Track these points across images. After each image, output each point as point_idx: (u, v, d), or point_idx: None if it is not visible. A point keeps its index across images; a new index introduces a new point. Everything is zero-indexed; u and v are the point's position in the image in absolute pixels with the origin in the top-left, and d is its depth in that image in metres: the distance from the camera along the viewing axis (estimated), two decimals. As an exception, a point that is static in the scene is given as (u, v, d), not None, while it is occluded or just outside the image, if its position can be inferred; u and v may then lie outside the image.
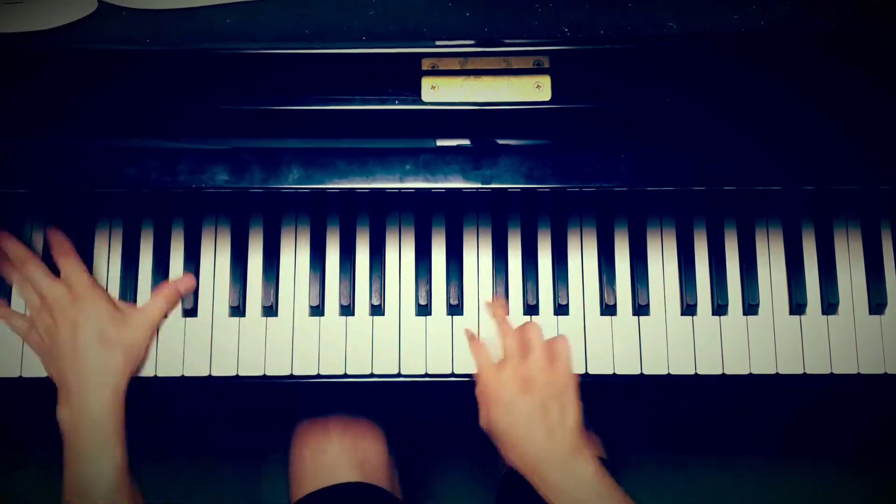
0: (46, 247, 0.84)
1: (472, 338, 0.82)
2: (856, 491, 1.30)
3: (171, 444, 1.31)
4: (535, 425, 0.73)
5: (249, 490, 1.29)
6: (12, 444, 1.31)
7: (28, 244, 0.85)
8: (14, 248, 0.82)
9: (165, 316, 0.83)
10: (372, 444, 0.93)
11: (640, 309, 0.84)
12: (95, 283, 0.81)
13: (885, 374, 0.83)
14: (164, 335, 0.83)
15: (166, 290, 0.83)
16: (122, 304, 0.82)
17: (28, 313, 0.82)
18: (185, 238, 0.85)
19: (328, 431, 0.92)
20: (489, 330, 0.83)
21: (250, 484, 1.29)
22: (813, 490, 1.30)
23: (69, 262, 0.81)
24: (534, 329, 0.78)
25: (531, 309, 0.84)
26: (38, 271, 0.80)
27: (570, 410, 0.75)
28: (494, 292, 0.84)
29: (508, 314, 0.83)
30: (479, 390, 0.78)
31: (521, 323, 0.81)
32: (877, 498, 1.30)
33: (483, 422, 0.78)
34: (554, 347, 0.77)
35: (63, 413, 0.76)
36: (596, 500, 0.72)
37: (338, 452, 0.90)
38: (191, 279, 0.84)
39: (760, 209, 0.86)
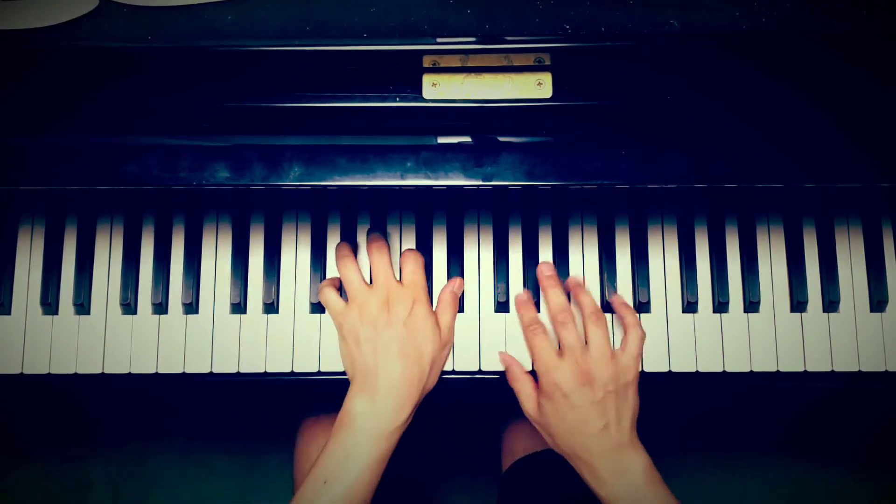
0: (52, 244, 0.84)
1: (533, 322, 0.80)
2: (857, 489, 1.30)
3: (173, 440, 1.31)
4: (591, 419, 0.73)
5: (251, 485, 1.29)
6: (12, 443, 1.31)
7: (29, 242, 0.85)
8: (377, 241, 0.82)
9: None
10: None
11: (641, 306, 0.84)
12: (428, 294, 0.80)
13: (886, 371, 0.83)
14: (165, 332, 0.83)
15: (450, 297, 0.81)
16: (434, 322, 0.79)
17: (349, 293, 0.80)
18: (185, 235, 0.85)
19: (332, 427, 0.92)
20: (493, 328, 0.84)
21: (252, 479, 1.29)
22: (814, 488, 1.30)
23: (413, 265, 0.80)
24: (595, 321, 0.78)
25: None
26: (386, 265, 0.80)
27: (628, 406, 0.75)
28: (525, 286, 0.84)
29: (570, 301, 0.81)
30: (524, 377, 0.78)
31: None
32: (878, 496, 1.30)
33: (530, 408, 0.77)
34: (626, 339, 0.77)
35: (359, 405, 0.74)
36: (640, 496, 0.72)
37: None
38: (459, 280, 0.83)
39: (761, 207, 0.86)
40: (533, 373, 0.80)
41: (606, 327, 0.78)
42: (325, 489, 0.71)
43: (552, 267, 0.82)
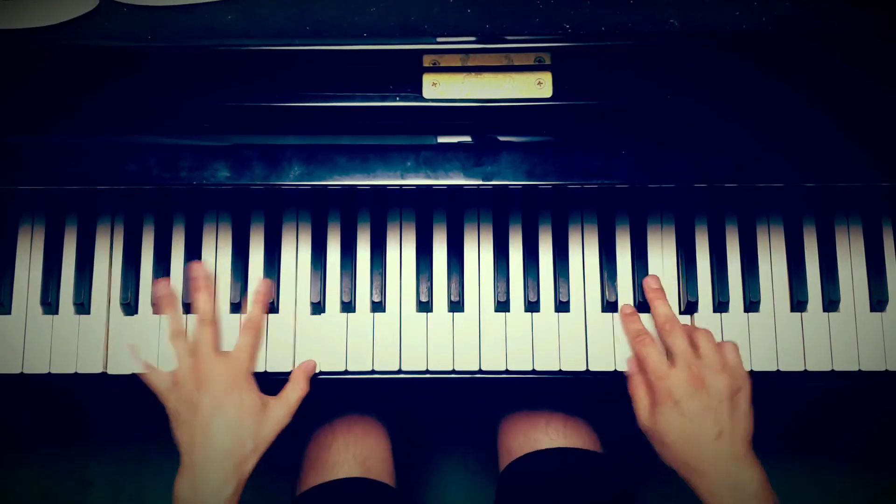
0: (52, 243, 0.84)
1: (641, 332, 0.80)
2: (857, 489, 1.30)
3: (172, 440, 1.31)
4: (704, 426, 0.73)
5: (250, 486, 1.29)
6: (12, 442, 1.31)
7: (29, 242, 0.85)
8: (203, 300, 0.81)
9: (299, 402, 0.80)
10: (375, 441, 0.94)
11: (641, 306, 0.84)
12: (252, 369, 0.80)
13: (887, 370, 0.83)
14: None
15: (299, 376, 0.81)
16: (263, 396, 0.79)
17: (173, 370, 0.79)
18: (186, 235, 0.85)
19: (332, 428, 0.92)
20: (493, 327, 0.84)
21: (252, 479, 1.29)
22: (813, 488, 1.30)
23: (248, 339, 0.80)
24: (704, 333, 0.78)
25: (532, 306, 0.84)
26: (208, 336, 0.79)
27: (741, 415, 0.74)
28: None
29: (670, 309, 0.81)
30: (642, 386, 0.78)
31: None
32: (878, 496, 1.30)
33: (644, 417, 0.77)
34: (724, 351, 0.77)
35: (182, 487, 0.74)
36: None
37: (342, 448, 0.91)
38: (313, 363, 0.82)
39: (761, 206, 0.86)
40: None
41: (713, 336, 0.78)
42: None
43: (658, 280, 0.83)
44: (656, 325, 0.80)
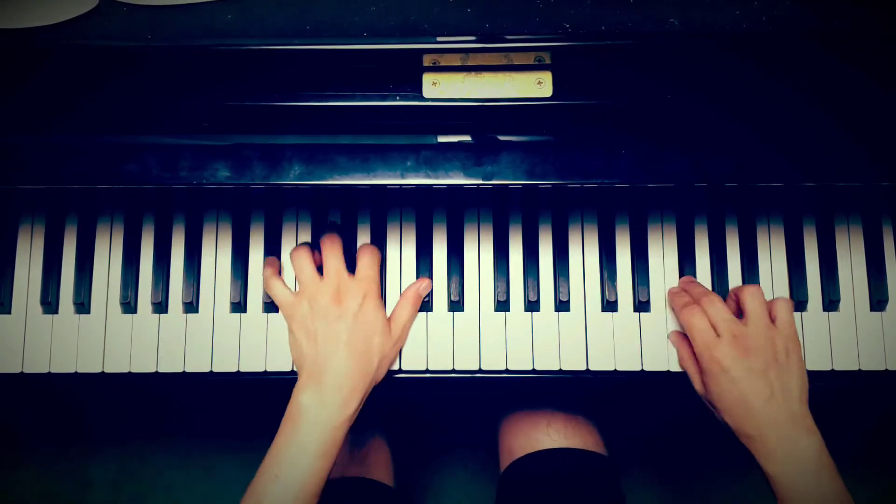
0: (52, 243, 0.84)
1: (689, 303, 0.79)
2: (857, 489, 1.30)
3: (173, 440, 1.31)
4: (755, 390, 0.72)
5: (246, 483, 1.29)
6: (12, 442, 1.31)
7: (29, 241, 0.85)
8: (332, 239, 0.82)
9: (411, 326, 0.82)
10: (374, 440, 0.94)
11: (641, 305, 0.84)
12: (380, 291, 0.80)
13: (887, 370, 0.83)
14: (166, 332, 0.83)
15: (410, 295, 0.81)
16: (386, 316, 0.80)
17: (299, 286, 0.80)
18: (186, 234, 0.85)
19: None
20: (493, 327, 0.84)
21: (251, 478, 1.29)
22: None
23: (368, 260, 0.81)
24: (751, 292, 0.77)
25: (532, 305, 0.84)
26: (338, 260, 0.80)
27: (793, 376, 0.74)
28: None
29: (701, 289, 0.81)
30: (689, 359, 0.78)
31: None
32: (878, 496, 1.30)
33: (697, 387, 0.77)
34: (774, 309, 0.77)
35: (307, 398, 0.74)
36: (813, 480, 0.70)
37: (341, 448, 0.91)
38: (427, 281, 0.83)
39: (761, 206, 0.86)
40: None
41: (763, 297, 0.77)
42: (277, 482, 0.72)
43: (691, 278, 0.83)
44: (695, 300, 0.79)
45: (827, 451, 0.72)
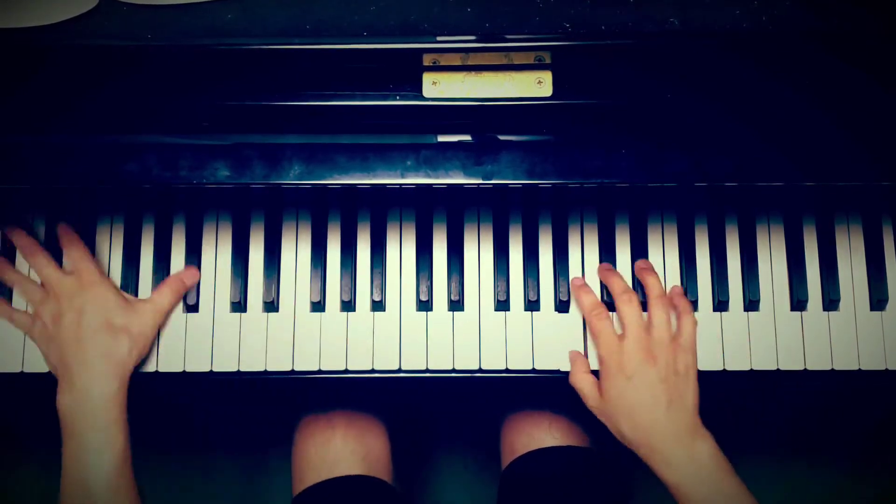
0: (50, 241, 0.84)
1: (596, 306, 0.80)
2: (857, 488, 1.30)
3: (172, 439, 1.31)
4: (655, 397, 0.74)
5: (250, 484, 1.29)
6: (12, 442, 1.31)
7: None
8: (22, 239, 0.82)
9: (171, 308, 0.83)
10: (375, 438, 0.94)
11: (641, 305, 0.84)
12: (103, 273, 0.81)
13: (886, 370, 0.83)
14: (166, 331, 0.83)
15: (172, 282, 0.83)
16: (129, 296, 0.82)
17: (29, 310, 0.82)
18: (186, 234, 0.85)
19: (332, 425, 0.92)
20: (493, 326, 0.84)
21: (251, 478, 1.29)
22: (813, 487, 1.30)
23: (77, 252, 0.81)
24: (659, 302, 0.79)
25: (532, 305, 0.84)
26: (45, 261, 0.81)
27: (690, 387, 0.75)
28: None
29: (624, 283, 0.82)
30: (582, 373, 0.79)
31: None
32: (878, 496, 1.30)
33: (592, 398, 0.78)
34: (680, 322, 0.78)
35: (64, 400, 0.75)
36: (711, 481, 0.72)
37: (341, 446, 0.91)
38: (194, 271, 0.84)
39: (761, 205, 0.86)
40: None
41: (669, 311, 0.79)
42: (75, 491, 0.73)
43: (610, 266, 0.83)
44: (613, 295, 0.81)
45: (721, 453, 0.73)
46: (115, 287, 0.81)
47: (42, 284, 0.81)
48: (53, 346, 0.78)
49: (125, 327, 0.78)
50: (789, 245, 0.85)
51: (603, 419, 0.78)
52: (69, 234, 0.83)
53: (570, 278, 0.84)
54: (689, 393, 0.75)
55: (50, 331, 0.78)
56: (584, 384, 0.79)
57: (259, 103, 0.75)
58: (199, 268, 0.85)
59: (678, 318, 0.79)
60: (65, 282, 0.79)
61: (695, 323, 0.79)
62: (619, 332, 0.79)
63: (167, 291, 0.82)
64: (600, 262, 0.85)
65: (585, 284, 0.83)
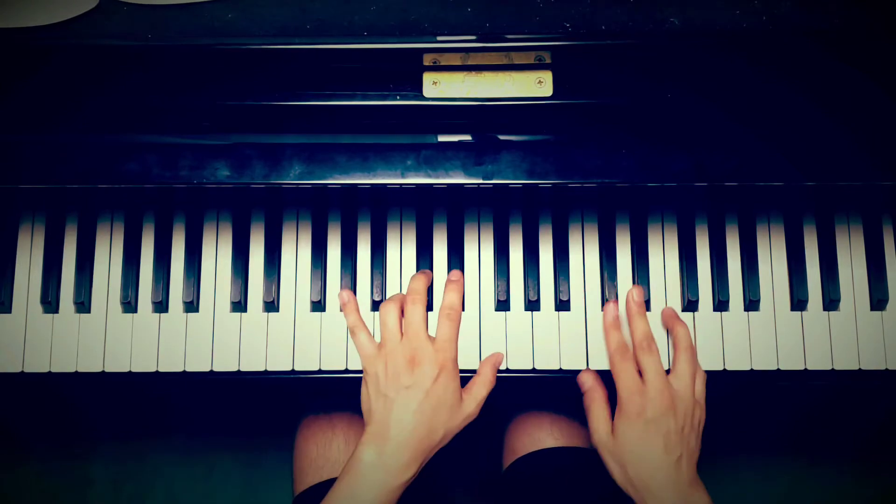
0: (52, 242, 0.84)
1: (622, 346, 0.79)
2: (857, 488, 1.30)
3: (173, 439, 1.31)
4: (669, 446, 0.74)
5: (251, 484, 1.29)
6: (12, 442, 1.31)
7: (29, 240, 0.85)
8: (419, 284, 0.81)
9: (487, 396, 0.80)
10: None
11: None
12: (457, 364, 0.79)
13: (887, 369, 0.83)
14: (166, 331, 0.83)
15: (489, 373, 0.80)
16: (462, 390, 0.79)
17: (381, 339, 0.80)
18: (186, 234, 0.85)
19: (333, 425, 0.92)
20: (493, 326, 0.84)
21: (251, 478, 1.29)
22: (813, 486, 1.30)
23: (450, 331, 0.79)
24: (686, 355, 0.79)
25: (532, 304, 0.84)
26: (420, 317, 0.79)
27: (699, 443, 0.77)
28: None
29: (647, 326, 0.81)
30: (600, 400, 0.79)
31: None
32: (878, 495, 1.30)
33: (602, 432, 0.77)
34: (696, 378, 0.79)
35: (368, 455, 0.74)
36: None
37: (343, 446, 0.91)
38: (500, 356, 0.82)
39: (761, 205, 0.86)
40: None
41: (696, 366, 0.79)
42: None
43: (643, 293, 0.82)
44: (634, 342, 0.80)
45: None
46: (458, 380, 0.78)
47: (404, 329, 0.79)
48: (382, 399, 0.76)
49: (447, 422, 0.77)
50: (789, 245, 0.85)
51: (604, 455, 0.77)
52: (454, 309, 0.81)
53: (605, 312, 0.82)
54: (697, 448, 0.76)
55: (387, 380, 0.77)
56: (598, 415, 0.78)
57: (259, 103, 0.75)
58: (200, 268, 0.85)
59: (693, 369, 0.79)
60: (427, 349, 0.77)
61: (704, 376, 0.79)
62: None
63: (485, 383, 0.80)
64: (600, 261, 0.85)
65: (617, 321, 0.81)
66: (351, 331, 0.82)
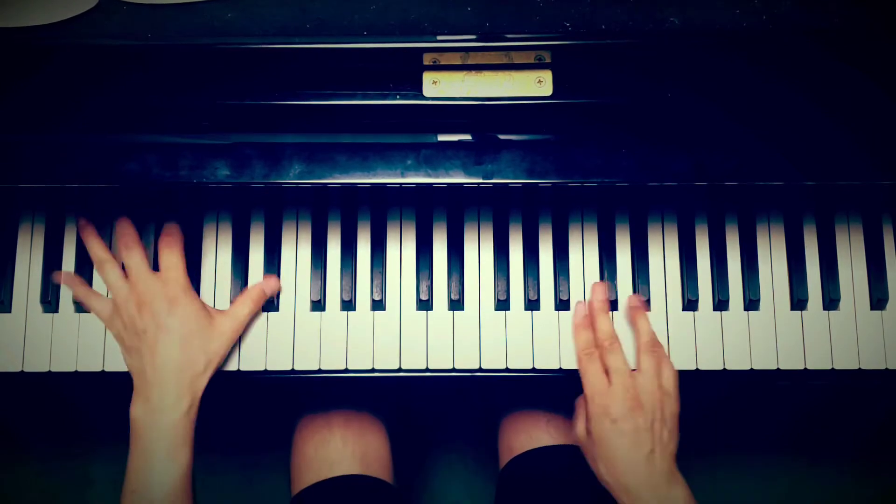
0: (52, 241, 0.84)
1: (590, 345, 0.80)
2: (857, 488, 1.30)
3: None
4: (637, 444, 0.74)
5: (250, 484, 1.29)
6: (12, 442, 1.31)
7: (29, 240, 0.85)
8: (125, 228, 0.81)
9: (249, 318, 0.81)
10: (374, 438, 0.94)
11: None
12: (190, 285, 0.80)
13: (886, 369, 0.83)
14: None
15: (252, 292, 0.81)
16: (211, 309, 0.80)
17: (111, 297, 0.80)
18: (186, 233, 0.85)
19: (330, 425, 0.92)
20: (493, 326, 0.84)
21: (251, 478, 1.29)
22: (813, 486, 1.30)
23: (174, 258, 0.80)
24: (651, 349, 0.79)
25: (532, 304, 0.84)
26: (139, 258, 0.79)
27: (672, 435, 0.76)
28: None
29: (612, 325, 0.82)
30: (585, 399, 0.78)
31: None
32: (878, 495, 1.30)
33: (580, 431, 0.78)
34: (662, 370, 0.78)
35: (137, 410, 0.75)
36: None
37: (340, 445, 0.91)
38: (274, 280, 0.83)
39: (761, 204, 0.86)
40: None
41: (660, 359, 0.78)
42: (135, 496, 0.73)
43: (606, 291, 0.82)
44: (596, 340, 0.80)
45: (694, 499, 0.74)
46: (199, 302, 0.79)
47: (127, 277, 0.79)
48: (133, 352, 0.77)
49: (203, 347, 0.77)
50: (789, 244, 0.85)
51: (585, 455, 0.78)
52: (172, 235, 0.81)
53: (575, 312, 0.83)
54: (671, 441, 0.76)
55: (128, 333, 0.77)
56: (578, 418, 0.79)
57: (259, 102, 0.75)
58: (199, 268, 0.85)
59: (657, 362, 0.79)
60: (152, 287, 0.77)
61: (675, 372, 0.79)
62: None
63: (247, 301, 0.81)
64: (600, 261, 0.85)
65: (586, 321, 0.82)
66: (82, 303, 0.81)
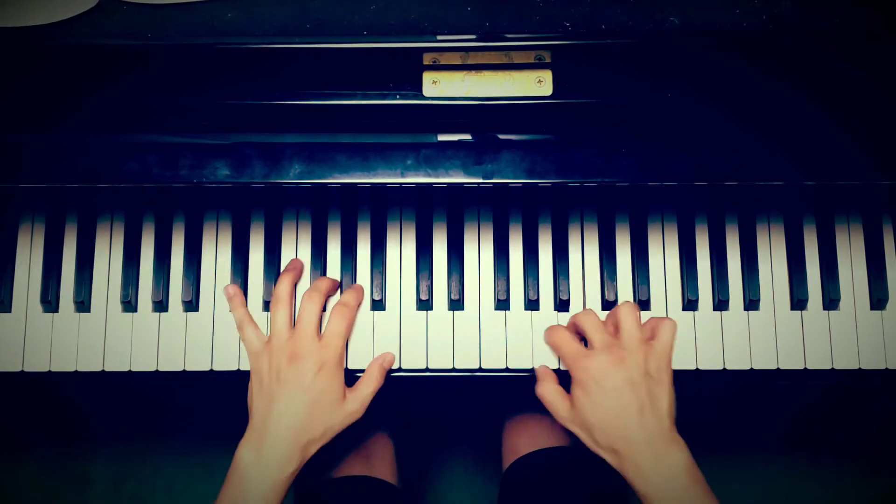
0: (52, 241, 0.84)
1: (550, 326, 0.80)
2: (857, 488, 1.30)
3: (173, 438, 1.31)
4: (626, 402, 0.71)
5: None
6: (12, 442, 1.31)
7: (29, 240, 0.85)
8: (323, 282, 0.82)
9: (373, 396, 0.80)
10: (377, 439, 0.94)
11: (641, 304, 0.84)
12: (344, 357, 0.79)
13: (886, 369, 0.83)
14: (166, 330, 0.83)
15: (374, 371, 0.80)
16: (346, 389, 0.79)
17: (269, 335, 0.80)
18: (186, 233, 0.85)
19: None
20: (493, 326, 0.84)
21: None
22: (813, 486, 1.30)
23: (340, 326, 0.79)
24: (625, 309, 0.76)
25: (532, 304, 0.84)
26: (313, 315, 0.79)
27: (664, 392, 0.73)
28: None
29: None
30: (549, 383, 0.78)
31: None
32: (878, 495, 1.30)
33: (562, 410, 0.76)
34: (656, 328, 0.76)
35: (245, 454, 0.74)
36: (682, 494, 0.69)
37: (344, 446, 0.91)
38: (391, 354, 0.82)
39: (761, 204, 0.86)
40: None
41: (638, 313, 0.77)
42: None
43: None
44: (571, 321, 0.80)
45: (696, 465, 0.71)
46: (342, 376, 0.78)
47: (296, 324, 0.79)
48: (263, 392, 0.77)
49: (328, 419, 0.76)
50: (789, 244, 0.85)
51: (574, 430, 0.75)
52: (348, 305, 0.80)
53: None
54: (664, 398, 0.73)
55: (267, 377, 0.77)
56: (552, 396, 0.77)
57: (259, 102, 0.75)
58: (199, 268, 0.85)
59: (657, 323, 0.77)
60: (311, 347, 0.77)
61: (673, 327, 0.77)
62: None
63: (370, 381, 0.79)
64: (600, 261, 0.85)
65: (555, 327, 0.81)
66: (238, 326, 0.81)
